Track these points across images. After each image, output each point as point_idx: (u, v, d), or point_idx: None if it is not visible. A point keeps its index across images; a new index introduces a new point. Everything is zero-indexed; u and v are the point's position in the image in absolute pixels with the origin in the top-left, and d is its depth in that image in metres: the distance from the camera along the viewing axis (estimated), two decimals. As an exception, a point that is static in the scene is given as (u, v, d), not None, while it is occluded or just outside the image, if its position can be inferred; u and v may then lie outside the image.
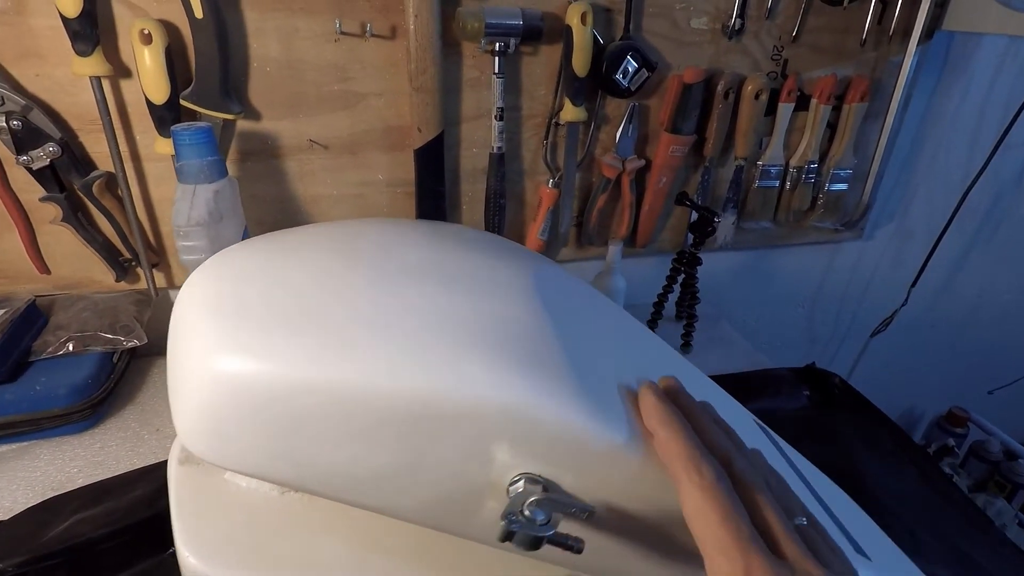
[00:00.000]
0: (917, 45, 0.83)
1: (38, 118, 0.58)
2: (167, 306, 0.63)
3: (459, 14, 0.65)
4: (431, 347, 0.28)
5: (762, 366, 0.81)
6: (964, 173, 1.01)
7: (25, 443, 0.60)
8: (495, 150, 0.73)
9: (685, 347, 0.84)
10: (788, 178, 0.90)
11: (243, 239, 0.61)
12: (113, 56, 0.58)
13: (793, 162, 0.89)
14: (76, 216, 0.63)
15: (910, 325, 1.14)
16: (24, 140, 0.58)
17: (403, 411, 0.28)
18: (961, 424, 1.23)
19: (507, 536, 0.25)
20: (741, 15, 0.76)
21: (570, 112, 0.73)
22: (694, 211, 0.78)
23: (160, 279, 0.71)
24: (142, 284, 0.70)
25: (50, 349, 0.62)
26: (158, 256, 0.70)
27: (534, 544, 0.26)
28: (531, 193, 0.80)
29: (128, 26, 0.57)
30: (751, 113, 0.81)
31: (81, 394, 0.60)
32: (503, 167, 0.75)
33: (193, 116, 0.62)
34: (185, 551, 0.36)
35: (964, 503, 0.60)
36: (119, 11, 0.57)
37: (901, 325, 1.10)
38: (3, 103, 0.57)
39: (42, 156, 0.59)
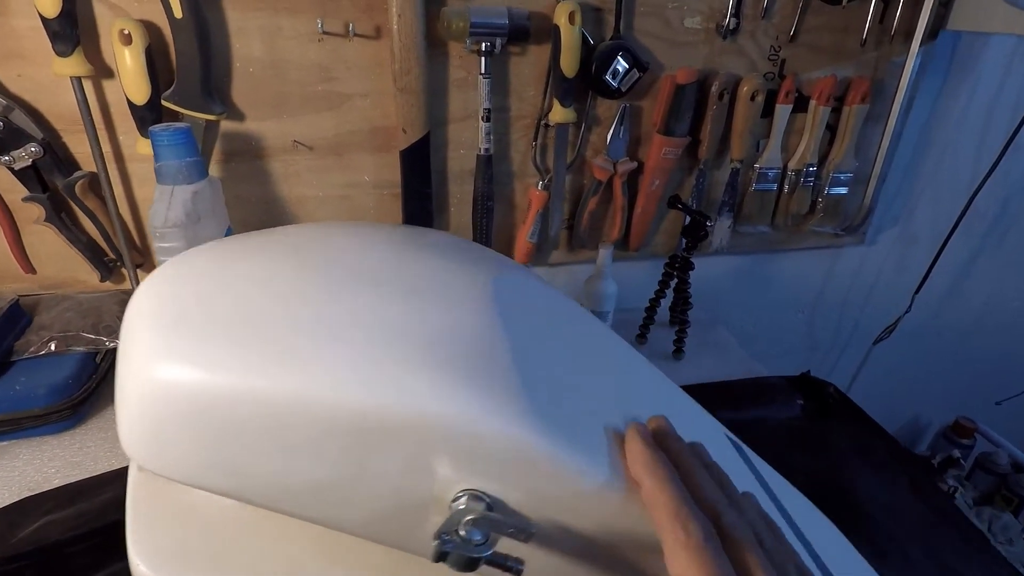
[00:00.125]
0: (920, 45, 0.81)
1: (20, 118, 0.58)
2: (148, 307, 0.62)
3: (444, 13, 0.64)
4: (373, 358, 0.27)
5: (756, 373, 0.80)
6: (971, 176, 0.98)
7: (4, 443, 0.60)
8: (482, 152, 0.72)
9: (677, 353, 0.82)
10: (786, 181, 0.88)
11: (224, 240, 0.61)
12: (94, 56, 0.58)
13: (791, 165, 0.87)
14: (59, 216, 0.63)
15: (914, 332, 1.11)
16: (6, 140, 0.58)
17: (343, 423, 0.27)
18: (968, 435, 1.20)
19: (440, 556, 0.24)
20: (736, 14, 0.75)
21: (559, 113, 0.72)
22: (687, 215, 0.76)
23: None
24: (127, 284, 0.70)
25: (32, 349, 0.62)
26: (142, 256, 0.69)
27: (469, 565, 0.25)
28: (520, 195, 0.79)
29: (109, 26, 0.57)
30: (747, 115, 0.80)
31: (61, 394, 0.60)
32: (491, 169, 0.74)
33: (176, 117, 0.62)
34: (136, 559, 0.36)
35: (959, 519, 0.58)
36: (100, 11, 0.57)
37: (905, 332, 1.07)
38: (-16, 104, 0.57)
39: (24, 156, 0.59)
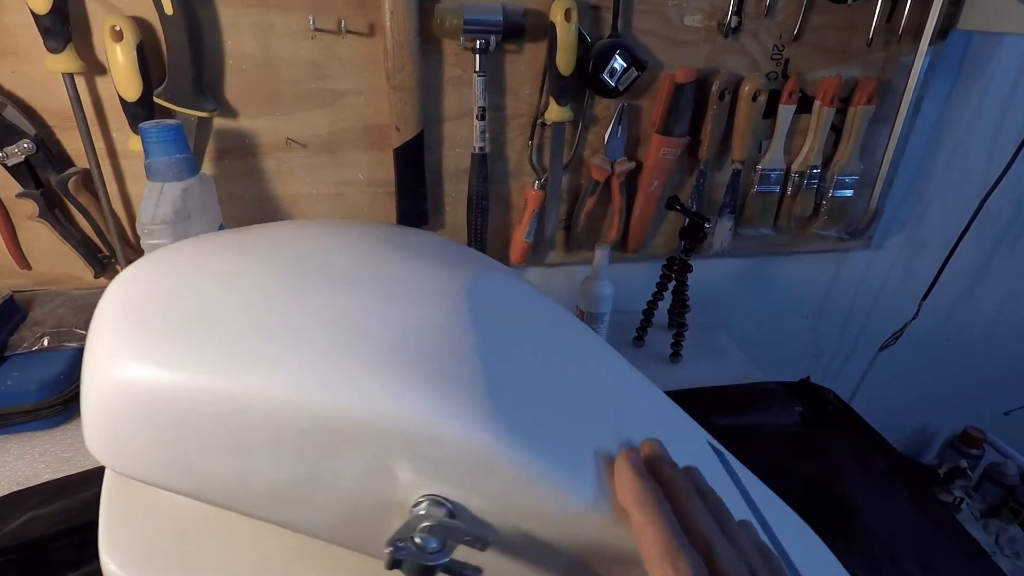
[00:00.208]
0: (929, 45, 0.79)
1: (12, 115, 0.58)
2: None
3: (437, 10, 0.63)
4: (334, 359, 0.27)
5: (755, 379, 0.78)
6: (982, 179, 0.95)
7: (-5, 437, 0.60)
8: (477, 150, 0.72)
9: (674, 356, 0.81)
10: (789, 183, 0.86)
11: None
12: (86, 53, 0.58)
13: (795, 167, 0.85)
14: (53, 212, 0.64)
15: (922, 339, 1.08)
16: (-1, 136, 0.58)
17: (301, 425, 0.26)
18: (976, 445, 1.17)
19: (394, 564, 0.24)
20: (738, 12, 0.73)
21: (555, 112, 0.71)
22: (685, 216, 0.75)
23: (140, 276, 0.71)
24: (121, 281, 0.70)
25: (25, 344, 0.63)
26: (136, 253, 0.70)
27: (424, 573, 0.24)
28: (517, 195, 0.78)
29: (101, 22, 0.57)
30: (749, 115, 0.78)
31: (52, 390, 0.60)
32: (486, 168, 0.73)
33: (168, 113, 0.61)
34: (107, 557, 0.35)
35: (958, 532, 0.57)
36: (92, 7, 0.57)
37: (912, 339, 1.05)
38: (-23, 100, 0.57)
39: (17, 153, 0.59)
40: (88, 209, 0.64)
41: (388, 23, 0.61)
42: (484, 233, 0.77)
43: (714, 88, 0.76)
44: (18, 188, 0.62)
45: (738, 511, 0.30)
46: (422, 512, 0.26)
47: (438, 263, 0.37)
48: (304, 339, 0.27)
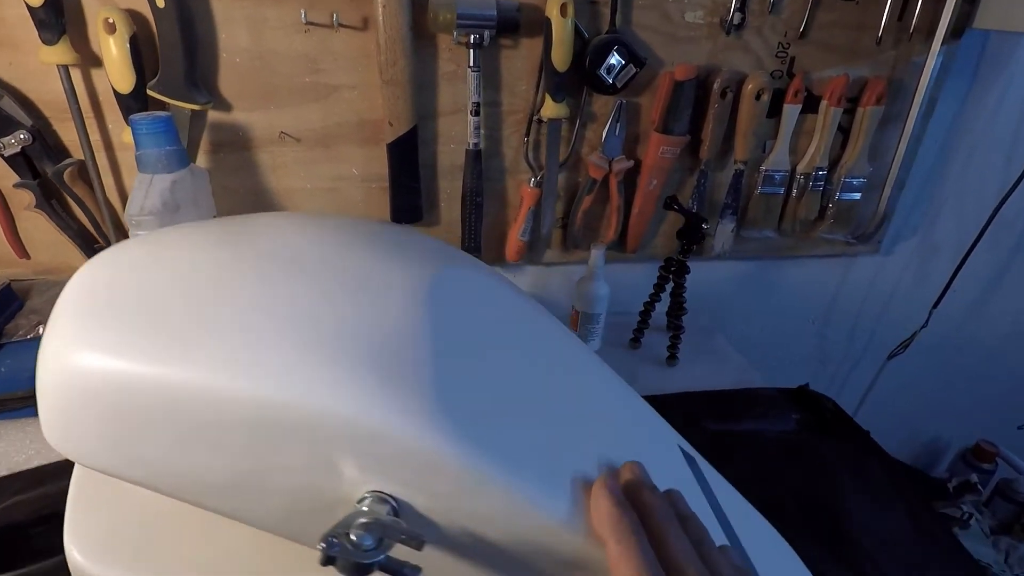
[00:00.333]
0: (942, 44, 0.77)
1: (9, 105, 0.59)
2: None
3: (430, 4, 0.63)
4: (279, 352, 0.26)
5: (754, 384, 0.76)
6: (1000, 184, 0.92)
7: (-12, 423, 0.61)
8: (471, 146, 0.71)
9: (671, 359, 0.79)
10: (794, 185, 0.84)
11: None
12: (81, 45, 0.59)
13: (800, 168, 0.83)
14: (49, 203, 0.64)
15: (933, 348, 1.05)
16: (-4, 126, 0.59)
17: (244, 416, 0.26)
18: (989, 459, 1.13)
19: (327, 560, 0.23)
20: (741, 9, 0.72)
21: (551, 108, 0.70)
22: (683, 216, 0.73)
23: (135, 267, 0.71)
24: (117, 271, 0.71)
25: (21, 332, 0.64)
26: (132, 244, 0.70)
27: (359, 571, 0.23)
28: (512, 192, 0.77)
29: (95, 15, 0.58)
30: (752, 114, 0.76)
31: (44, 377, 0.61)
32: (480, 164, 0.72)
33: (162, 106, 0.62)
34: (71, 546, 0.36)
35: (955, 548, 0.54)
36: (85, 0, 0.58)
37: (922, 347, 1.02)
38: (-25, 90, 0.58)
39: (13, 143, 0.60)
40: (84, 200, 0.65)
41: (380, 17, 0.61)
42: (479, 230, 0.76)
43: (715, 86, 0.74)
44: (15, 178, 0.63)
45: (705, 522, 0.28)
46: (365, 508, 0.26)
47: (410, 260, 0.37)
48: (249, 330, 0.27)
